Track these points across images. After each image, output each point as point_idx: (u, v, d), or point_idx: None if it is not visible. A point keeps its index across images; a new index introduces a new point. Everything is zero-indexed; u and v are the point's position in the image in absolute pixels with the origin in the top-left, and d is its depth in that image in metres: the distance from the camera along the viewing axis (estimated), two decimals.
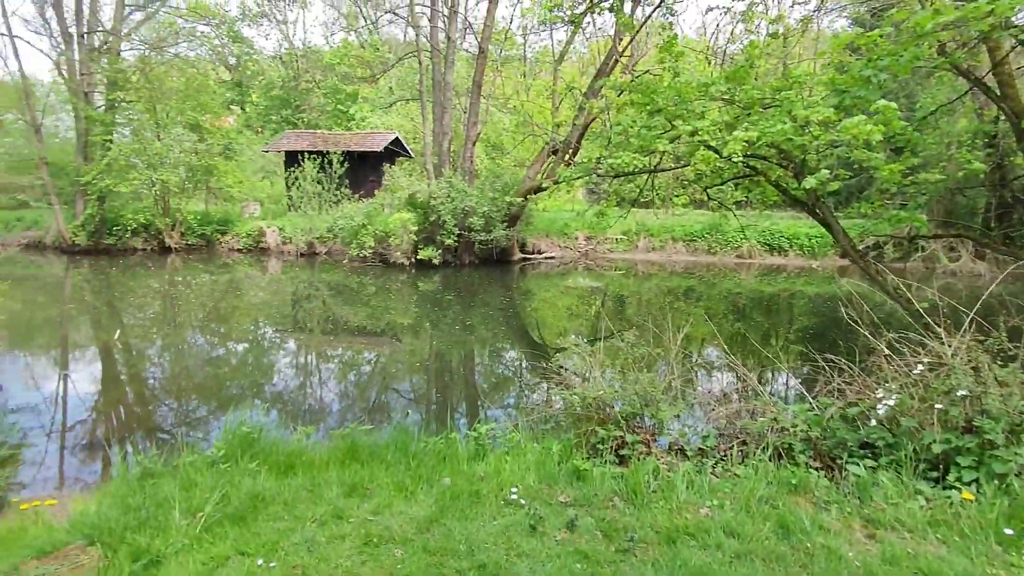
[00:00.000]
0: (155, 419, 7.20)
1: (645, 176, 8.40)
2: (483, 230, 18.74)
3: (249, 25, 33.17)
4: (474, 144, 21.83)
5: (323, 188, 22.22)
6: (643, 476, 4.09)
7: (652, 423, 5.02)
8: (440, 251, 18.87)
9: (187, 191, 21.89)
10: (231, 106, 36.13)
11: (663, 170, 8.44)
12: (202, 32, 26.52)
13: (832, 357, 5.09)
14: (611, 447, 4.61)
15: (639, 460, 4.38)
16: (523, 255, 21.30)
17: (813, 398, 5.04)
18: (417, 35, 22.94)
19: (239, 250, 21.89)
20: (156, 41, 22.51)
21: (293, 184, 22.44)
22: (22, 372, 8.81)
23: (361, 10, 35.42)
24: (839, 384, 4.96)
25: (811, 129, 5.20)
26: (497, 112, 28.79)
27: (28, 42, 56.63)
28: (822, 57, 7.05)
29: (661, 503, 3.87)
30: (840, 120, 4.76)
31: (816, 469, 4.26)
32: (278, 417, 7.14)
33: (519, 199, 18.23)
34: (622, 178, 8.60)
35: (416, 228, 18.86)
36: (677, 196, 25.35)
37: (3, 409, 6.91)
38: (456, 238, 18.77)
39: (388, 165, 23.33)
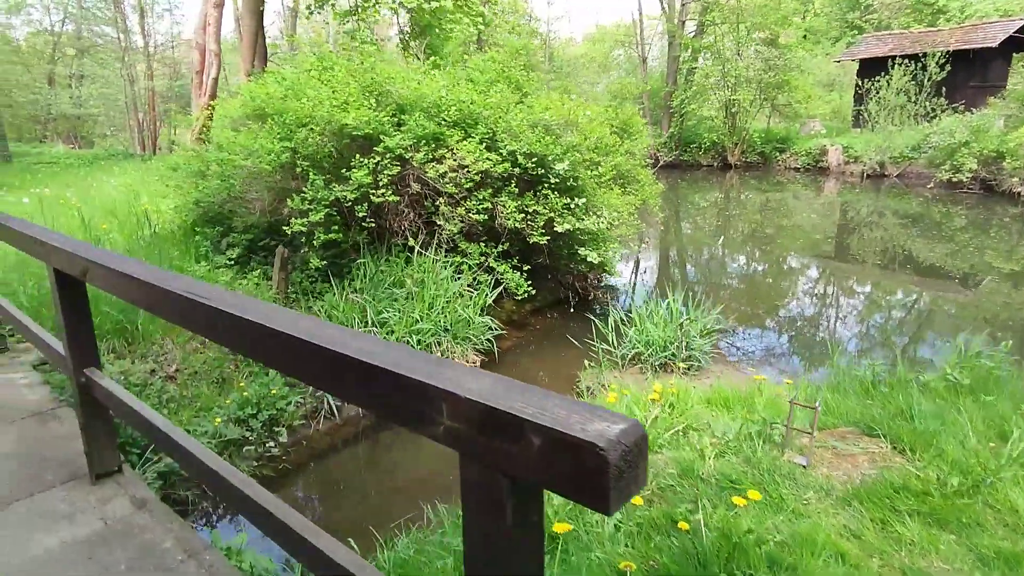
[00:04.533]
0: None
1: None
2: None
3: None
4: None
5: (908, 99, 19.05)
6: None
7: None
8: None
9: (752, 110, 22.40)
10: (792, 16, 34.66)
11: None
12: None
13: None
14: None
15: None
16: None
17: None
18: None
19: (796, 169, 21.39)
20: None
21: (871, 97, 19.99)
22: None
23: None
24: None
25: None
26: None
27: None
28: None
29: None
30: None
31: None
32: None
33: None
34: None
35: None
36: None
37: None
38: None
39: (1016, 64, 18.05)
